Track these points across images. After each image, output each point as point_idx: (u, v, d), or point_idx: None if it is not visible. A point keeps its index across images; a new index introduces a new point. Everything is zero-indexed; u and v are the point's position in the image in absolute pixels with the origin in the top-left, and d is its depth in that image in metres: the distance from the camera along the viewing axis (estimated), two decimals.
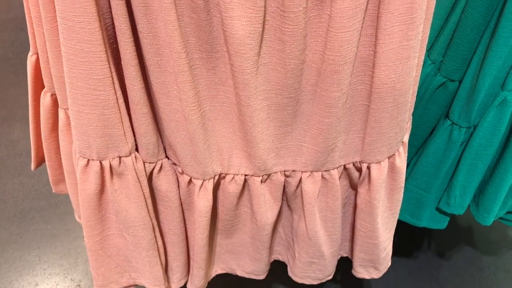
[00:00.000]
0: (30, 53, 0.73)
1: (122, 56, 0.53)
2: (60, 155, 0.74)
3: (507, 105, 0.75)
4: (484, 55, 0.72)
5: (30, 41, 0.72)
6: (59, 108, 0.67)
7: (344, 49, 0.53)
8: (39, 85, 0.72)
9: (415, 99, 0.64)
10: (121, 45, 0.52)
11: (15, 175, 1.36)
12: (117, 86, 0.55)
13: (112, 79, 0.53)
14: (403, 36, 0.52)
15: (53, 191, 0.87)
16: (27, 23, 0.69)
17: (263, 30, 0.53)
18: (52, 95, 0.70)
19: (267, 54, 0.55)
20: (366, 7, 0.52)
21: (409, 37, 0.53)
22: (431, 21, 0.56)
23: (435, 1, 0.55)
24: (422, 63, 0.60)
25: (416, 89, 0.62)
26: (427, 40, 0.58)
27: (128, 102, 0.58)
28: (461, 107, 0.77)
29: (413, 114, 0.68)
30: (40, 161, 0.86)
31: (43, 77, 0.70)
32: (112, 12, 0.50)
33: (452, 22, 0.74)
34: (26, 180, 1.34)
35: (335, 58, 0.54)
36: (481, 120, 0.77)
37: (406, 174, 0.73)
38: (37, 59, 0.71)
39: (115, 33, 0.52)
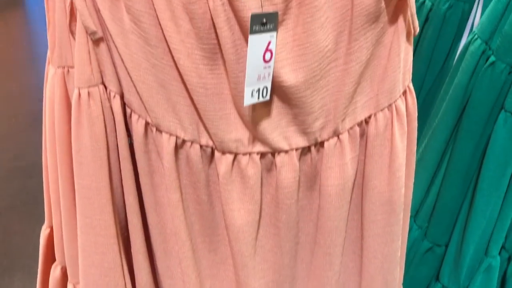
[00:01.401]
0: (44, 226, 0.78)
1: (132, 245, 0.58)
2: None
3: (493, 271, 0.79)
4: (465, 224, 0.78)
5: (45, 214, 0.78)
6: (68, 282, 0.70)
7: (333, 234, 0.59)
8: (50, 258, 0.76)
9: (403, 272, 0.68)
10: (132, 236, 0.57)
11: None
12: (126, 271, 0.59)
13: (122, 266, 0.58)
14: (386, 223, 0.58)
15: None
16: (45, 197, 0.76)
17: (260, 218, 0.59)
18: (62, 267, 0.74)
19: (263, 237, 0.60)
20: (351, 197, 0.59)
21: (391, 223, 0.59)
22: (410, 206, 0.63)
23: (412, 190, 0.62)
24: (406, 241, 0.65)
25: (403, 265, 0.66)
26: (408, 225, 0.64)
27: (134, 281, 0.62)
28: (450, 271, 0.81)
29: (405, 276, 0.72)
30: None
31: (55, 251, 0.74)
32: (126, 209, 0.56)
33: (433, 193, 0.81)
34: None
35: (326, 242, 0.59)
36: (470, 284, 0.81)
37: None
38: (50, 233, 0.76)
39: (127, 225, 0.58)
